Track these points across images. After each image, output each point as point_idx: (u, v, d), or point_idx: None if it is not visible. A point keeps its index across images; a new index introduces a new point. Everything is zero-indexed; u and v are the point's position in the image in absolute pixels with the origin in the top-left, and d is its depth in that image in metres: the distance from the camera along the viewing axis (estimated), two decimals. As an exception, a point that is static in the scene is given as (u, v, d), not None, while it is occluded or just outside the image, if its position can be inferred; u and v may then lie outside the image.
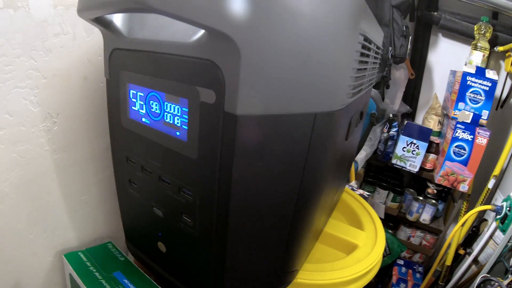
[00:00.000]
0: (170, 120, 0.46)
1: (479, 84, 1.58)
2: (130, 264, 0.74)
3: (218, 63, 0.37)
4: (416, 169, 1.80)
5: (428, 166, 1.82)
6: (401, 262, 2.01)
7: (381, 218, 1.64)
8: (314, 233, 0.67)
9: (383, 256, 1.67)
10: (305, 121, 0.42)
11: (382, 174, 2.05)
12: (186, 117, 0.43)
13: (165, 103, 0.46)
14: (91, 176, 0.78)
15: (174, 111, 0.45)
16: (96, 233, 0.84)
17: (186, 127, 0.44)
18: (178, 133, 0.45)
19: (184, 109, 0.43)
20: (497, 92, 1.83)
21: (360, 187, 1.96)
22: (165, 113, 0.46)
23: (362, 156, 1.60)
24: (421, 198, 1.95)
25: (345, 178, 0.93)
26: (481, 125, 1.62)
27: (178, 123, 0.45)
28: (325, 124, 0.45)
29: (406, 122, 1.81)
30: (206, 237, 0.49)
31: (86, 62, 0.69)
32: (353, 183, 1.29)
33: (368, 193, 1.14)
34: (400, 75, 1.75)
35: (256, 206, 0.46)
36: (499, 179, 1.73)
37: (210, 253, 0.50)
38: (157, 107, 0.47)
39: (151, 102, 0.48)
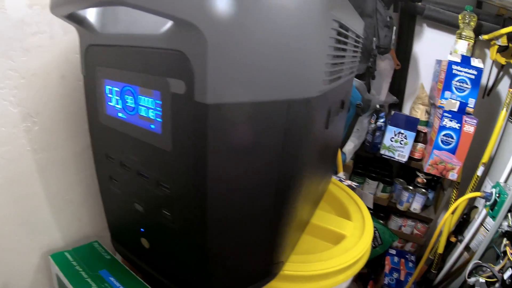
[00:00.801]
0: (144, 114, 0.46)
1: (465, 72, 1.58)
2: (116, 262, 0.73)
3: (187, 53, 0.37)
4: (405, 159, 1.80)
5: (417, 155, 1.82)
6: (393, 251, 2.02)
7: (370, 208, 1.65)
8: (298, 224, 0.67)
9: (375, 247, 1.69)
10: (278, 108, 0.42)
11: (371, 165, 2.05)
12: (160, 109, 0.43)
13: (139, 96, 0.45)
14: (74, 175, 0.77)
15: (148, 104, 0.44)
16: (82, 232, 0.84)
17: (160, 120, 0.43)
18: (152, 126, 0.45)
19: (157, 101, 0.43)
20: (484, 81, 1.84)
21: (349, 178, 1.96)
22: (140, 107, 0.46)
23: (350, 148, 1.60)
24: (411, 187, 1.96)
25: (330, 168, 0.94)
26: (468, 113, 1.63)
27: (152, 116, 0.44)
28: (301, 111, 0.45)
29: (393, 112, 1.82)
30: (186, 231, 0.49)
31: (63, 60, 0.69)
32: (341, 174, 1.30)
33: (356, 184, 1.14)
34: (386, 66, 1.75)
35: (234, 197, 0.46)
36: (488, 166, 1.74)
37: (191, 247, 0.50)
38: (132, 101, 0.47)
39: (126, 96, 0.48)
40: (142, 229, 0.58)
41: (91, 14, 0.50)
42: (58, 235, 0.79)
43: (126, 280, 0.68)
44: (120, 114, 0.50)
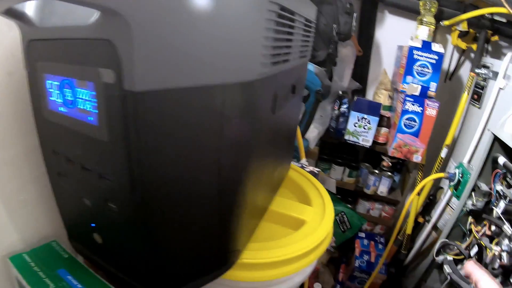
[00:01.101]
0: (82, 106, 0.45)
1: (426, 57, 1.62)
2: (74, 261, 0.72)
3: (114, 41, 0.36)
4: (369, 144, 1.84)
5: (381, 139, 1.86)
6: (362, 235, 2.07)
7: (334, 193, 1.66)
8: (252, 211, 0.67)
9: (344, 231, 1.72)
10: (213, 92, 0.42)
11: (337, 151, 2.08)
12: (95, 100, 0.42)
13: (76, 89, 0.45)
14: (26, 174, 0.75)
15: (84, 96, 0.44)
16: (40, 233, 0.82)
17: (96, 111, 0.43)
18: (90, 118, 0.44)
19: (91, 93, 0.42)
20: (445, 65, 1.89)
21: (316, 165, 1.98)
22: (77, 100, 0.45)
23: (314, 134, 1.61)
24: (376, 171, 2.00)
25: (287, 154, 0.93)
26: (430, 97, 1.67)
27: (89, 108, 0.44)
28: (239, 95, 0.45)
29: (356, 98, 1.84)
30: (133, 223, 0.49)
31: (9, 57, 0.67)
32: (304, 161, 1.31)
33: (318, 170, 1.15)
34: (348, 52, 1.77)
35: (175, 187, 0.46)
36: (452, 148, 1.79)
37: (139, 239, 0.50)
38: (71, 94, 0.46)
39: (65, 90, 0.47)
40: (92, 224, 0.57)
41: (29, 8, 0.49)
42: (16, 237, 0.77)
43: (84, 278, 0.67)
44: (61, 109, 0.49)
